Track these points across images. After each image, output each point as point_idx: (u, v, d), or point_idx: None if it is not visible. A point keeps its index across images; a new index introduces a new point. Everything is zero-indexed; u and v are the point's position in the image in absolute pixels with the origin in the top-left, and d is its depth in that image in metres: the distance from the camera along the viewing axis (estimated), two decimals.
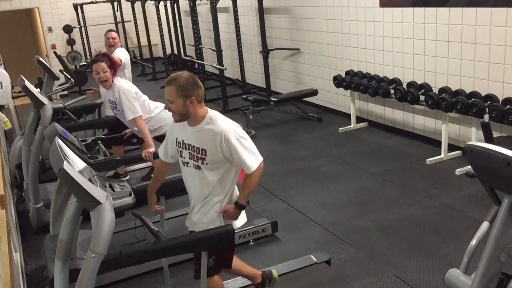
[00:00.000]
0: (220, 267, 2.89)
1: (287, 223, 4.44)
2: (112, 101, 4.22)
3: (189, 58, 10.08)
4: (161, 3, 10.78)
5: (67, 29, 11.74)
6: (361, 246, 3.99)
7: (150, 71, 11.62)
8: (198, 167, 2.74)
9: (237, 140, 2.65)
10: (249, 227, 4.12)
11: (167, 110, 2.77)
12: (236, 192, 2.91)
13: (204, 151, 2.70)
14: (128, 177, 5.31)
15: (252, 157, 2.71)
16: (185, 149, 2.77)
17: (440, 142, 5.55)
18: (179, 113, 2.67)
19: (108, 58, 4.21)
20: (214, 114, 2.73)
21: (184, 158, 2.79)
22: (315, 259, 3.65)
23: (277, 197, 5.01)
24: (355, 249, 3.95)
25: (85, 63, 11.09)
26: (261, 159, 2.77)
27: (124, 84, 4.23)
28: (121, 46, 5.95)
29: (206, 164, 2.71)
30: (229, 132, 2.65)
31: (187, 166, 2.80)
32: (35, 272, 4.04)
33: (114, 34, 5.85)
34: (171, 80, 2.65)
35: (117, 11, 12.40)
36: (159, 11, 10.91)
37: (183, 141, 2.78)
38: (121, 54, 5.58)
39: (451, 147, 5.54)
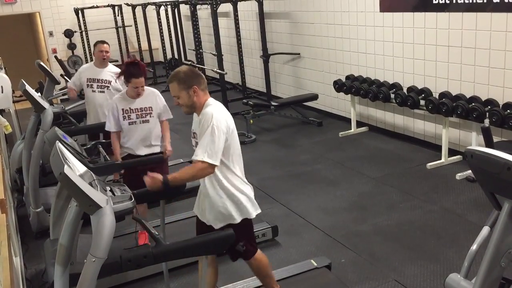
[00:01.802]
0: (252, 248, 3.03)
1: (287, 228, 4.43)
2: (145, 107, 4.11)
3: (189, 63, 10.10)
4: (162, 7, 10.82)
5: (68, 33, 11.78)
6: (362, 250, 3.98)
7: (151, 75, 11.64)
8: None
9: (208, 126, 2.71)
10: None
11: None
12: (240, 192, 2.93)
13: (196, 135, 2.87)
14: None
15: (203, 150, 2.69)
16: (193, 137, 2.94)
17: (440, 147, 5.55)
18: (186, 105, 2.83)
19: (143, 69, 4.03)
20: (210, 101, 2.86)
21: (194, 146, 2.92)
22: (315, 264, 3.65)
23: (277, 202, 5.00)
24: (355, 254, 3.94)
25: None
26: (210, 160, 2.69)
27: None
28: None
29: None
30: (208, 116, 2.74)
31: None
32: (35, 277, 4.03)
33: (107, 46, 5.18)
34: (171, 77, 2.82)
35: (118, 15, 12.43)
36: (159, 15, 10.94)
37: (192, 130, 2.96)
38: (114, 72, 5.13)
39: (452, 152, 5.54)
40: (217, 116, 2.75)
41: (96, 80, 5.09)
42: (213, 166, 2.71)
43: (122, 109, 4.06)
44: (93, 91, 5.10)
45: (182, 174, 2.76)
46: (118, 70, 5.07)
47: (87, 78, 5.11)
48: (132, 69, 3.96)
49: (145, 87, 4.10)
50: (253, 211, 2.97)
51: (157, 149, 4.20)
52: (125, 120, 4.06)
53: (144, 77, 4.02)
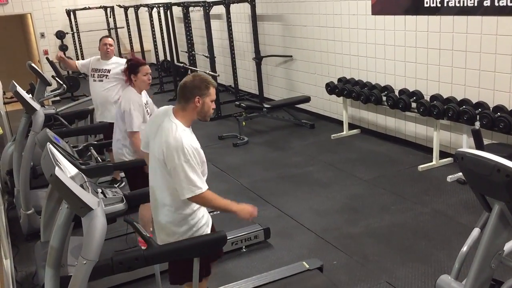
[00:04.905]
0: (204, 272, 2.88)
1: (279, 230, 4.44)
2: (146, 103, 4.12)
3: (182, 65, 10.09)
4: (154, 9, 10.79)
5: (60, 35, 11.72)
6: (353, 252, 3.99)
7: None
8: None
9: None
10: (242, 234, 4.12)
11: None
12: None
13: None
14: (124, 183, 5.28)
15: None
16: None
17: (431, 149, 5.58)
18: None
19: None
20: None
21: None
22: (307, 266, 3.65)
23: (269, 204, 5.01)
24: (347, 256, 3.95)
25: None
26: None
27: None
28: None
29: None
30: None
31: None
32: (25, 279, 4.00)
33: (111, 40, 5.41)
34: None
35: (110, 17, 12.40)
36: (152, 17, 10.91)
37: None
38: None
39: (443, 154, 5.57)
40: None
41: (97, 70, 5.32)
42: None
43: (144, 104, 3.98)
44: (94, 80, 5.35)
45: None
46: (121, 60, 5.30)
47: (92, 68, 5.38)
48: (133, 61, 4.03)
49: None
50: None
51: None
52: (148, 115, 3.95)
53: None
